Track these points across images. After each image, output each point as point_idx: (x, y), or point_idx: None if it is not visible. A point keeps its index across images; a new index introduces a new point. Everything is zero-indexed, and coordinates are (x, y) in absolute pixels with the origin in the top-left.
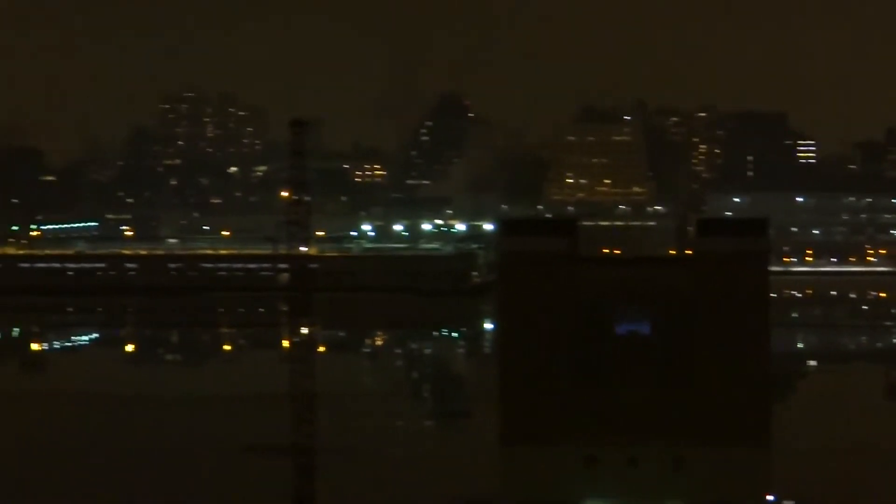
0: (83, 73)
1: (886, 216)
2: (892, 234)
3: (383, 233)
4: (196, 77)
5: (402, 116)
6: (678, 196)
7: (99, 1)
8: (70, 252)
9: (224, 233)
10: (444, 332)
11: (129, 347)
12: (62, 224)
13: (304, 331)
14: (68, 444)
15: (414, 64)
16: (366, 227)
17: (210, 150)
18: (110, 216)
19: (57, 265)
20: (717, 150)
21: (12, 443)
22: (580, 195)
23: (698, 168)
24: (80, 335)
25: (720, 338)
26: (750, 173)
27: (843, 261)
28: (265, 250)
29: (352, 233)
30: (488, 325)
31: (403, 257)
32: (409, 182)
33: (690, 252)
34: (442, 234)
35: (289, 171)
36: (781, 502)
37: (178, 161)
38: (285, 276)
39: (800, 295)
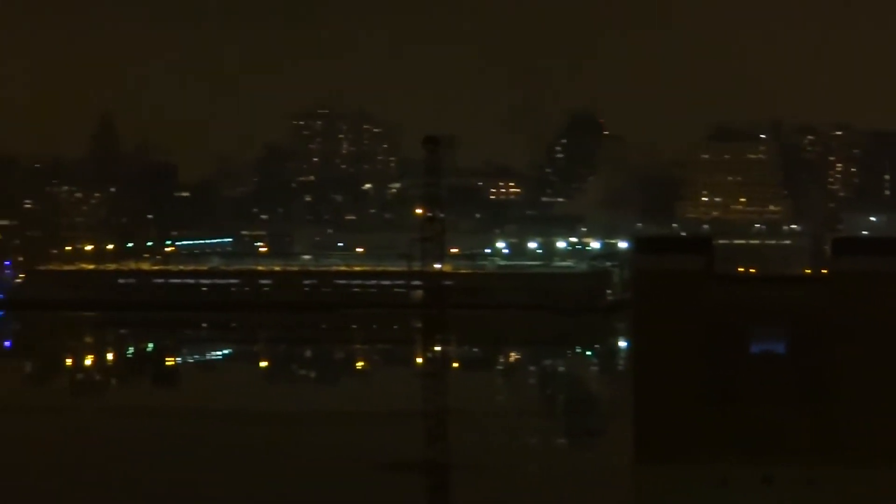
0: (219, 90)
1: None
2: None
3: (517, 250)
4: (331, 93)
5: (535, 134)
6: (814, 215)
7: (233, 19)
8: (204, 268)
9: (358, 249)
10: (578, 349)
11: (263, 363)
12: (196, 240)
13: (438, 348)
14: (201, 460)
15: (547, 81)
16: (500, 245)
17: (344, 166)
18: (244, 232)
19: (191, 281)
20: (853, 169)
21: (146, 457)
22: (715, 213)
23: (834, 187)
24: (214, 351)
25: (856, 358)
26: (887, 192)
27: None
28: (399, 267)
29: (486, 250)
30: (622, 343)
31: (537, 275)
32: (544, 199)
33: (826, 271)
34: (576, 252)
35: (423, 188)
36: None
37: (312, 177)
38: (419, 293)
39: None
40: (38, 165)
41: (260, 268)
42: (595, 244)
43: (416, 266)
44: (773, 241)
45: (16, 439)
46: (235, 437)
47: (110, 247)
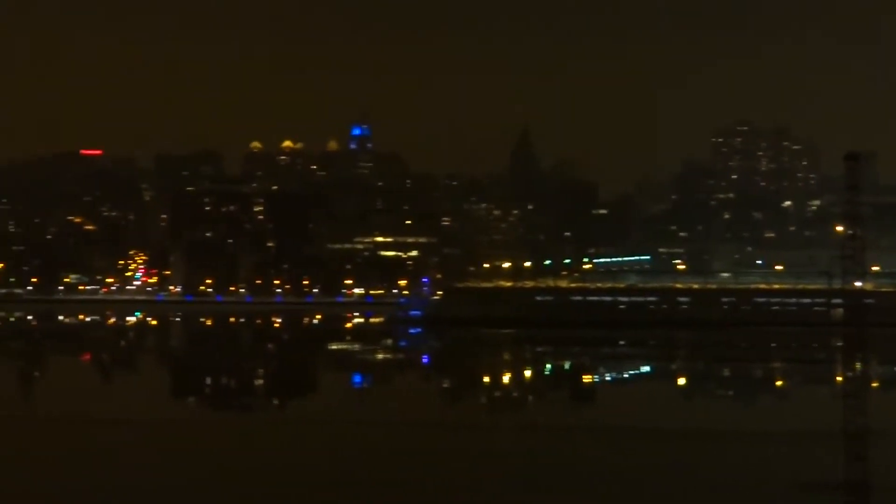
0: (635, 107)
1: None
2: None
3: None
4: (750, 111)
5: None
6: None
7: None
8: (622, 285)
9: (777, 267)
10: None
11: (681, 381)
12: (614, 257)
13: (858, 366)
14: (614, 476)
15: None
16: None
17: (763, 183)
18: (662, 250)
19: (608, 298)
20: None
21: (565, 473)
22: None
23: None
24: (632, 368)
25: None
26: None
27: None
28: (819, 285)
29: None
30: None
31: None
32: None
33: None
34: None
35: (843, 205)
36: None
37: (731, 195)
38: (839, 311)
39: None
40: (455, 183)
41: (678, 285)
42: None
43: (837, 284)
44: None
45: (437, 454)
46: (650, 455)
47: (527, 264)
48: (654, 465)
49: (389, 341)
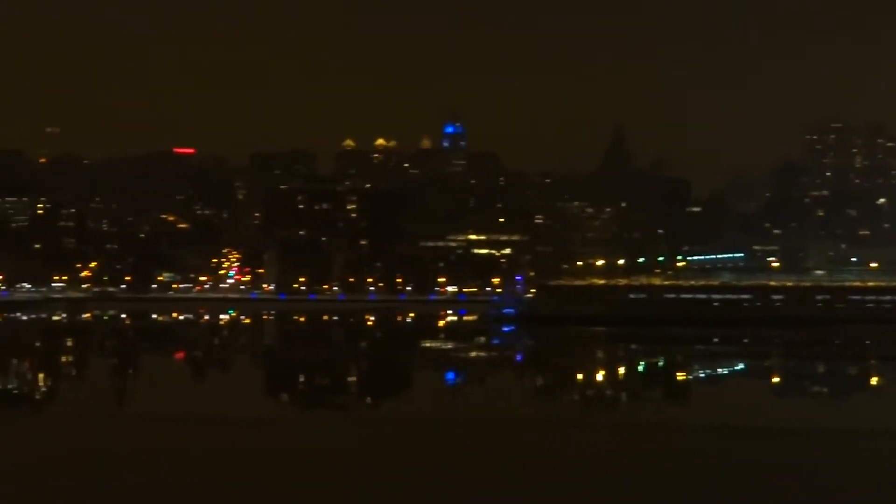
0: (732, 103)
1: None
2: None
3: None
4: (844, 107)
5: None
6: None
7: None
8: (715, 283)
9: (872, 264)
10: None
11: (775, 379)
12: (708, 255)
13: None
14: (713, 474)
15: None
16: None
17: (858, 181)
18: (756, 247)
19: (702, 296)
20: None
21: (658, 472)
22: None
23: None
24: (726, 366)
25: None
26: None
27: None
28: None
29: None
30: None
31: None
32: None
33: None
34: None
35: None
36: None
37: (825, 192)
38: None
39: None
40: (548, 180)
41: (772, 283)
42: None
43: None
44: None
45: (532, 454)
46: (746, 453)
47: (621, 262)
48: (761, 463)
49: (483, 339)
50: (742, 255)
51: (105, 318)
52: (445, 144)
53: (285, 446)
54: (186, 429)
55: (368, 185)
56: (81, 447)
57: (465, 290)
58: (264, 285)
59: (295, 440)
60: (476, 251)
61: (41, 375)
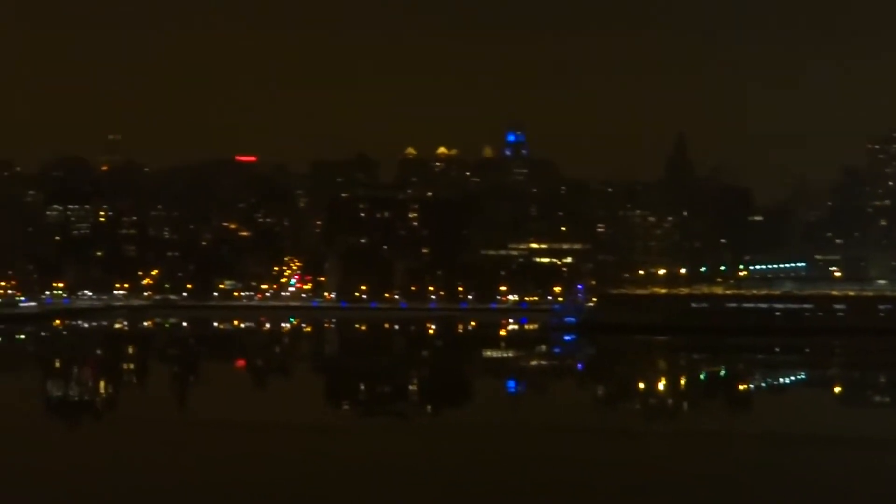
0: (793, 114)
1: None
2: None
3: None
4: None
5: None
6: None
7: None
8: (777, 292)
9: None
10: None
11: (837, 388)
12: (770, 264)
13: None
14: (772, 484)
15: None
16: None
17: None
18: (818, 256)
19: (764, 305)
20: None
21: (727, 482)
22: None
23: None
24: (787, 376)
25: None
26: None
27: None
28: None
29: None
30: None
31: None
32: None
33: None
34: None
35: None
36: None
37: (887, 202)
38: None
39: None
40: (610, 189)
41: (834, 293)
42: None
43: None
44: None
45: (594, 462)
46: (808, 462)
47: (682, 271)
48: (824, 472)
49: (544, 348)
50: (804, 264)
51: (166, 325)
52: (507, 153)
53: (344, 452)
54: (247, 436)
55: (430, 194)
56: (141, 454)
57: (526, 298)
58: (325, 293)
59: (354, 447)
60: (537, 260)
61: (103, 383)
